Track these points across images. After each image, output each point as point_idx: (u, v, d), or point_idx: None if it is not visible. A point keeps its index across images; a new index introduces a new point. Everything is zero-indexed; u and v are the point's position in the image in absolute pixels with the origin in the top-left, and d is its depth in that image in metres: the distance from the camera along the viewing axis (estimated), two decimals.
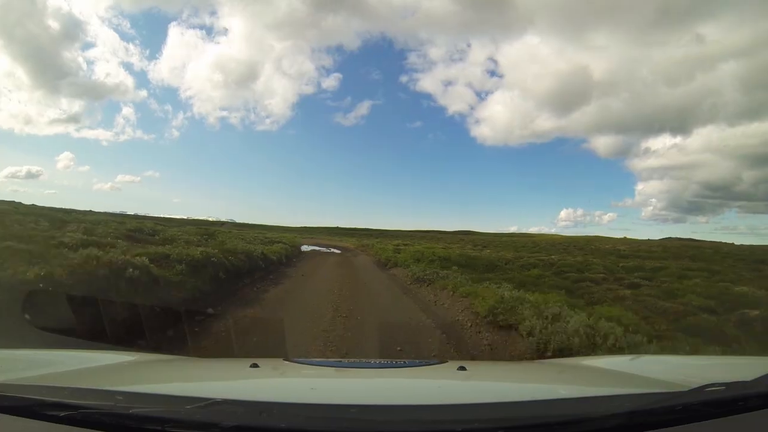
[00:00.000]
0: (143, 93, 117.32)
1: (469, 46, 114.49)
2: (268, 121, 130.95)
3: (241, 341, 4.87)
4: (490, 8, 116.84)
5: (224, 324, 5.40)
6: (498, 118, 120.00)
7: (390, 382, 1.59)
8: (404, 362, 2.01)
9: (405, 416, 1.00)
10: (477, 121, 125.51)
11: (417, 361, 2.16)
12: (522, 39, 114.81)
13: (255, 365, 1.57)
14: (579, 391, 1.49)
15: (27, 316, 3.67)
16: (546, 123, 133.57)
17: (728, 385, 1.10)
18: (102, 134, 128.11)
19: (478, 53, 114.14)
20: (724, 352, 4.44)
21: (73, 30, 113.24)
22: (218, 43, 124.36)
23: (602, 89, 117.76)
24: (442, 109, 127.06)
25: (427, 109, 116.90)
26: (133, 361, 1.84)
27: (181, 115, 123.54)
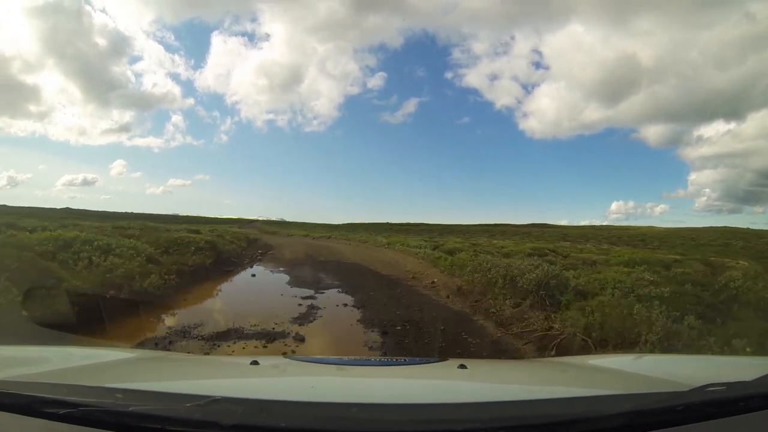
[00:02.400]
0: (190, 101, 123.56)
1: (512, 38, 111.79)
2: (315, 122, 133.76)
3: None
4: None
5: None
6: (545, 110, 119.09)
7: (391, 381, 1.57)
8: (405, 360, 1.98)
9: (405, 415, 0.99)
10: (525, 115, 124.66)
11: (418, 359, 2.09)
12: (566, 28, 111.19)
13: (255, 363, 1.58)
14: (580, 390, 1.49)
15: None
16: (594, 114, 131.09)
17: (729, 385, 1.09)
18: (153, 141, 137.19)
19: (523, 45, 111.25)
20: None
21: (120, 45, 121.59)
22: (261, 48, 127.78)
23: (650, 76, 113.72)
24: (489, 104, 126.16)
25: (474, 104, 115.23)
26: (133, 359, 1.84)
27: (228, 120, 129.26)
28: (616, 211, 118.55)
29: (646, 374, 1.60)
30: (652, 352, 4.22)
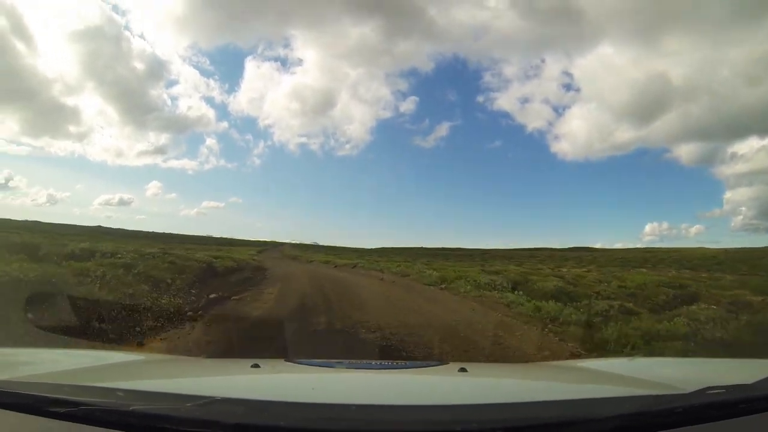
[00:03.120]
0: (224, 124, 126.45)
1: (543, 61, 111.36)
2: (347, 146, 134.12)
3: None
4: (560, 21, 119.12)
5: None
6: (577, 132, 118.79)
7: (390, 383, 1.58)
8: (405, 363, 2.09)
9: (404, 416, 0.99)
10: (556, 137, 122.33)
11: (419, 362, 2.25)
12: (596, 50, 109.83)
13: (256, 365, 1.58)
14: (579, 392, 1.48)
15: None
16: (626, 134, 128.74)
17: (729, 388, 1.09)
18: (187, 164, 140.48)
19: (553, 68, 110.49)
20: None
21: (156, 69, 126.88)
22: (294, 73, 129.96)
23: (681, 95, 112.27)
24: (520, 127, 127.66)
25: (505, 127, 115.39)
26: (135, 360, 1.89)
27: (261, 144, 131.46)
28: (650, 233, 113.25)
29: (642, 377, 1.60)
30: None
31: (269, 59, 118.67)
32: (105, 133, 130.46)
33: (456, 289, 11.64)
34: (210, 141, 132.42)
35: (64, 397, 0.98)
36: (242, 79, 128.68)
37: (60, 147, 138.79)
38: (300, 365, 1.77)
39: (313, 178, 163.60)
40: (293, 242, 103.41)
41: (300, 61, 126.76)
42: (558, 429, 0.93)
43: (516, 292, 10.53)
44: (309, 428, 0.90)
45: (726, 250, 54.61)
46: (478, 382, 1.61)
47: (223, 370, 1.84)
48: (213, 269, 14.07)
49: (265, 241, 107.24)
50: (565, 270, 23.23)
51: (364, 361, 2.22)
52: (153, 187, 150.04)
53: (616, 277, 16.44)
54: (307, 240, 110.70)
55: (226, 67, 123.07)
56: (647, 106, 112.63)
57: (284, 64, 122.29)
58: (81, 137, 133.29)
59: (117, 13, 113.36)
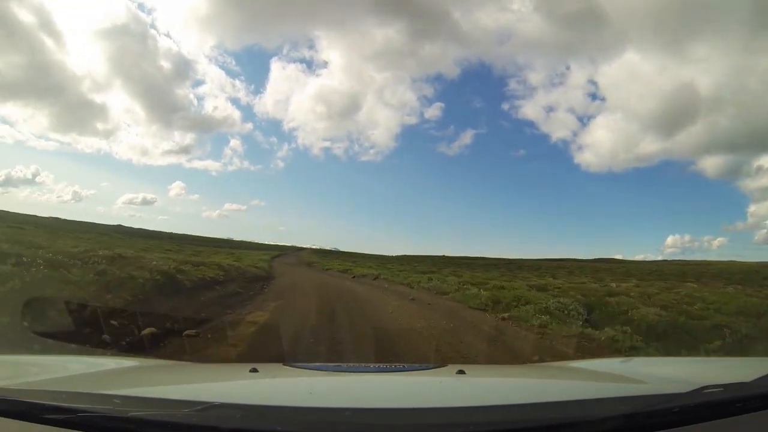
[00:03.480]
0: (249, 125, 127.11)
1: (568, 68, 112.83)
2: (371, 151, 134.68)
3: None
4: (586, 28, 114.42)
5: None
6: (601, 142, 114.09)
7: (388, 386, 1.57)
8: (403, 366, 1.98)
9: (402, 419, 0.99)
10: (580, 148, 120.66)
11: (417, 365, 2.18)
12: (621, 58, 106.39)
13: (254, 370, 1.58)
14: (577, 393, 1.47)
15: None
16: (650, 146, 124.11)
17: (727, 387, 1.09)
18: (211, 165, 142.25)
19: (578, 75, 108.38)
20: None
21: (183, 69, 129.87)
22: (319, 75, 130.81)
23: (708, 105, 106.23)
24: (545, 137, 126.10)
25: (530, 136, 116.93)
26: (132, 366, 1.83)
27: (285, 147, 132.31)
28: (671, 245, 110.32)
29: (639, 377, 1.61)
30: None
31: (294, 60, 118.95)
32: (131, 131, 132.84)
33: (523, 320, 7.91)
34: (234, 142, 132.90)
35: (62, 404, 0.98)
36: (267, 80, 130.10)
37: (87, 144, 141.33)
38: (298, 369, 1.81)
39: (336, 183, 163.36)
40: (314, 247, 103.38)
41: (325, 63, 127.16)
42: (556, 430, 0.94)
43: (614, 327, 7.10)
44: None
45: (758, 264, 50.78)
46: (476, 384, 1.62)
47: (222, 375, 1.85)
48: (175, 284, 9.26)
49: (284, 246, 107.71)
50: (614, 284, 20.18)
51: (362, 365, 2.38)
52: (176, 187, 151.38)
53: (694, 297, 13.28)
54: (327, 245, 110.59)
55: (252, 67, 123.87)
56: (673, 116, 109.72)
57: (309, 65, 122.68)
58: (108, 134, 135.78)
59: (143, 11, 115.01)
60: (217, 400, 1.01)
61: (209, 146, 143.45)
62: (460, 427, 0.91)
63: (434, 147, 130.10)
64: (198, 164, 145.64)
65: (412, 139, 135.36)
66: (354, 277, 21.91)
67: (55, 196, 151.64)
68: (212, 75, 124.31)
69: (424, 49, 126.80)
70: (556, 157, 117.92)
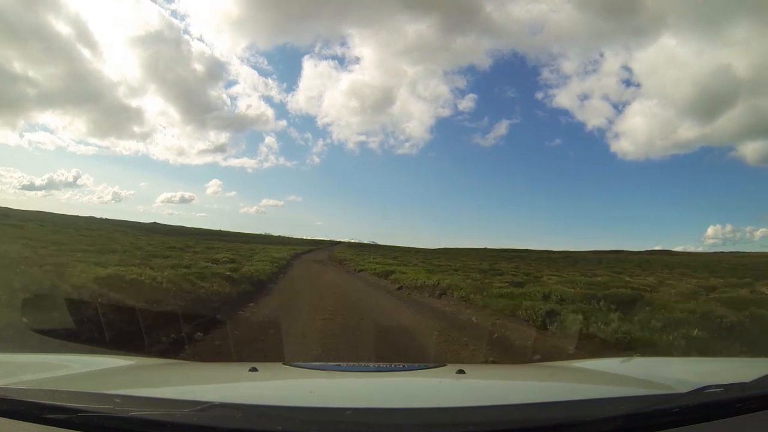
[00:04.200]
0: (283, 123, 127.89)
1: (601, 55, 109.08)
2: (407, 144, 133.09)
3: None
4: (619, 13, 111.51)
5: None
6: (637, 130, 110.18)
7: (388, 386, 1.56)
8: (403, 366, 1.98)
9: (402, 419, 0.99)
10: (616, 135, 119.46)
11: (417, 365, 2.15)
12: (657, 42, 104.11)
13: (254, 369, 1.58)
14: (576, 393, 1.47)
15: None
16: (689, 132, 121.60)
17: (727, 387, 1.09)
18: (247, 162, 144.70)
19: (612, 62, 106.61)
20: None
21: (216, 70, 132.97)
22: (351, 71, 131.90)
23: (748, 89, 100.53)
24: (580, 125, 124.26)
25: (565, 125, 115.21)
26: (132, 366, 1.83)
27: (320, 142, 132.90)
28: (712, 235, 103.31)
29: (639, 376, 1.60)
30: None
31: (326, 58, 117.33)
32: (167, 132, 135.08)
33: None
34: (269, 139, 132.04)
35: (62, 403, 0.98)
36: (300, 77, 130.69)
37: (125, 146, 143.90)
38: (298, 368, 1.77)
39: (372, 177, 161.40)
40: (351, 241, 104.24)
41: (357, 59, 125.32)
42: (556, 430, 0.94)
43: None
44: None
45: None
46: (476, 384, 1.62)
47: (222, 374, 1.83)
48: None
49: (321, 240, 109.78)
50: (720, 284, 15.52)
51: (362, 364, 2.36)
52: (213, 185, 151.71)
53: None
54: (365, 239, 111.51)
55: (284, 66, 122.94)
56: (711, 101, 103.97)
57: (341, 62, 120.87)
58: (144, 137, 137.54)
59: (176, 17, 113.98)
60: (217, 399, 1.02)
61: (244, 144, 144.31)
62: (460, 427, 0.91)
63: (469, 138, 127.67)
64: (234, 162, 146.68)
65: (447, 131, 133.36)
66: (400, 287, 12.65)
67: (95, 197, 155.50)
68: (245, 75, 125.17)
69: (456, 42, 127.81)
70: (592, 145, 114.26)
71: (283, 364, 1.83)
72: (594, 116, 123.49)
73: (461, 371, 1.57)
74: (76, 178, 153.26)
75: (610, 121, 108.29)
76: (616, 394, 1.36)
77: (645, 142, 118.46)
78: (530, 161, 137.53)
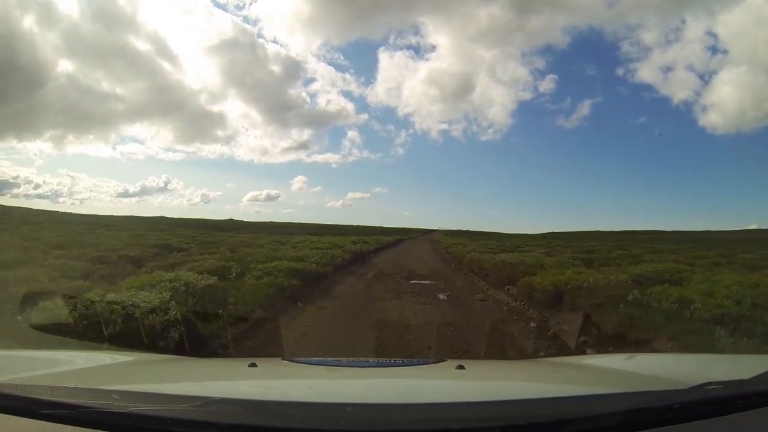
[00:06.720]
0: (364, 116, 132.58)
1: (683, 22, 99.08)
2: (490, 130, 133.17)
3: None
4: None
5: None
6: (726, 101, 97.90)
7: (388, 381, 1.58)
8: (403, 361, 2.00)
9: (401, 414, 0.98)
10: (703, 108, 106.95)
11: (416, 360, 2.15)
12: (743, 3, 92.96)
13: (253, 365, 1.57)
14: (577, 389, 1.47)
15: None
16: None
17: (727, 384, 1.09)
18: (330, 157, 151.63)
19: (695, 29, 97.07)
20: None
21: (293, 70, 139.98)
22: (428, 59, 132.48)
23: None
24: (665, 100, 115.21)
25: (649, 101, 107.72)
26: (131, 361, 1.83)
27: (403, 133, 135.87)
28: None
29: (641, 373, 1.60)
30: None
31: (402, 48, 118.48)
32: (249, 134, 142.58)
33: None
34: (351, 133, 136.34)
35: (61, 399, 0.97)
36: (377, 70, 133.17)
37: (210, 150, 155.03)
38: (297, 364, 1.77)
39: (457, 164, 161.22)
40: (443, 229, 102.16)
41: (433, 48, 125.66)
42: (556, 426, 0.93)
43: None
44: (306, 428, 0.90)
45: None
46: (475, 379, 1.61)
47: (221, 370, 1.82)
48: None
49: (414, 229, 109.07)
50: None
51: (362, 359, 2.32)
52: (298, 181, 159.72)
53: None
54: (455, 227, 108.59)
55: (360, 60, 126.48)
56: None
57: (417, 51, 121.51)
58: (228, 140, 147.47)
59: (248, 23, 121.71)
60: (216, 395, 1.01)
61: (327, 140, 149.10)
62: (459, 423, 0.91)
63: (552, 121, 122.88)
64: (318, 158, 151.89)
65: (529, 114, 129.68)
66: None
67: (185, 200, 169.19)
68: (322, 72, 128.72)
69: (530, 22, 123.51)
70: (678, 120, 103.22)
71: (282, 359, 1.82)
72: (679, 89, 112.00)
73: (461, 366, 1.58)
74: (166, 184, 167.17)
75: (697, 93, 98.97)
76: (616, 390, 1.36)
77: (735, 114, 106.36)
78: (617, 140, 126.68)
